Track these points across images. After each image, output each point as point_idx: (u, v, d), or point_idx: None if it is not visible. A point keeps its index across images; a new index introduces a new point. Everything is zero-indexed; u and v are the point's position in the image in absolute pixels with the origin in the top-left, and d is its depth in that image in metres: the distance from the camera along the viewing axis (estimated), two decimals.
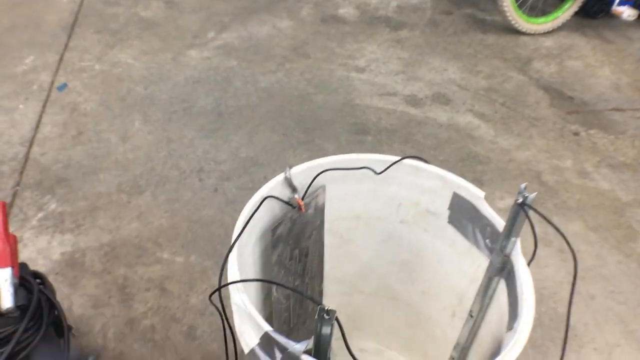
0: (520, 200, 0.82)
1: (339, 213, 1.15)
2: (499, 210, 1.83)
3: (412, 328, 1.32)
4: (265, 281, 0.79)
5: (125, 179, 1.87)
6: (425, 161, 1.09)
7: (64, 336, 1.11)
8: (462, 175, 1.96)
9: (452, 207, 1.06)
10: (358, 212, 1.16)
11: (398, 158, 1.06)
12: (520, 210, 0.83)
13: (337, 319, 0.67)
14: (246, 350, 0.81)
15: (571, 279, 1.62)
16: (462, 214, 1.05)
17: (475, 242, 1.03)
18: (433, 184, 1.07)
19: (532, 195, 0.81)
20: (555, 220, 1.80)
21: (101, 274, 1.58)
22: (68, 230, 1.69)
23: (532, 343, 1.45)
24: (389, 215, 1.16)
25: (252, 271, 1.01)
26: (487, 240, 1.00)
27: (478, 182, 1.94)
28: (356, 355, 1.39)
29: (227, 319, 0.84)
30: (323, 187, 1.06)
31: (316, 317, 0.67)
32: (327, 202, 1.10)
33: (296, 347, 0.71)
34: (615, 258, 1.69)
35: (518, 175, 1.99)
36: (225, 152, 2.00)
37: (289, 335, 1.23)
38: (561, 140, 2.17)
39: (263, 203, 0.96)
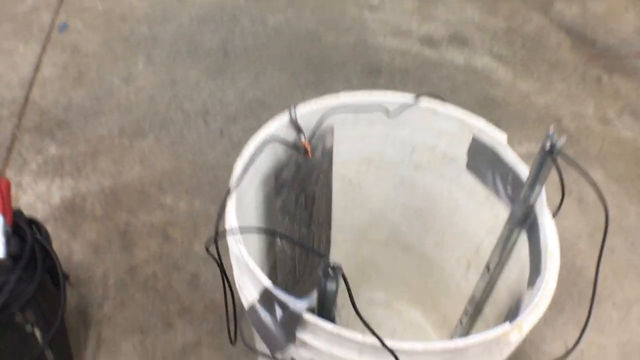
0: (548, 146, 0.74)
1: (348, 156, 1.08)
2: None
3: (424, 279, 1.26)
4: (265, 231, 0.73)
5: (128, 122, 1.80)
6: (443, 99, 1.01)
7: (60, 285, 1.07)
8: None
9: (470, 151, 0.99)
10: (369, 156, 1.09)
11: (413, 98, 0.99)
12: (547, 157, 0.76)
13: (343, 275, 0.61)
14: (246, 306, 0.75)
15: (591, 230, 1.56)
16: (481, 160, 0.97)
17: (495, 190, 0.96)
18: (450, 127, 0.99)
19: (561, 140, 0.74)
20: (574, 169, 1.72)
21: (102, 219, 1.53)
22: (68, 174, 1.63)
23: None
24: (402, 160, 1.09)
25: (254, 218, 0.95)
26: (508, 188, 0.93)
27: (495, 126, 1.85)
28: (364, 307, 1.34)
29: (224, 272, 0.78)
30: (331, 129, 0.98)
31: (320, 272, 0.61)
32: (335, 144, 1.03)
33: (298, 304, 0.65)
34: (636, 209, 1.62)
35: (537, 120, 1.90)
36: (231, 93, 1.91)
37: (294, 286, 1.18)
38: (582, 85, 2.06)
39: (266, 146, 0.89)
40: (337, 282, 0.60)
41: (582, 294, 1.40)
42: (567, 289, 1.41)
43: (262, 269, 1.07)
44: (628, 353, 1.30)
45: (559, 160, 0.75)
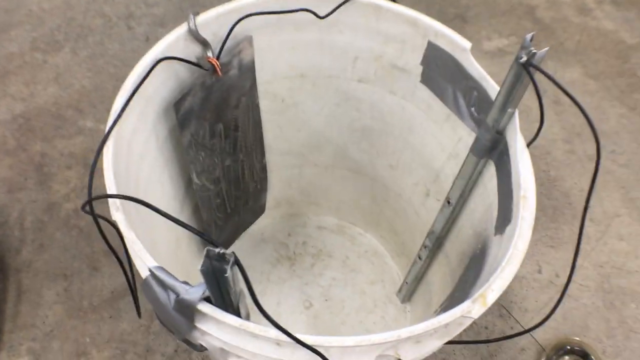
0: (524, 58, 0.57)
1: (276, 70, 0.89)
2: (484, 54, 1.56)
3: (379, 205, 1.12)
4: (135, 201, 0.55)
5: (41, 34, 1.56)
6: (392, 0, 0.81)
7: None
8: (442, 11, 1.66)
9: (426, 61, 0.80)
10: (302, 69, 0.90)
11: None
12: (522, 72, 0.58)
13: (238, 264, 0.44)
14: (143, 276, 0.59)
15: (567, 135, 1.40)
16: (439, 71, 0.79)
17: (457, 109, 0.79)
18: (400, 30, 0.80)
19: (542, 52, 0.56)
20: (550, 65, 1.54)
21: (15, 151, 1.33)
22: None
23: None
24: (343, 72, 0.90)
25: (156, 161, 0.76)
26: (473, 109, 0.76)
27: (461, 18, 1.64)
28: (314, 233, 1.20)
29: (122, 239, 0.61)
30: (249, 39, 0.78)
31: (205, 259, 0.44)
32: (258, 58, 0.83)
33: (191, 293, 0.49)
34: (617, 111, 1.46)
35: (508, 10, 1.69)
36: None
37: (227, 223, 1.02)
38: None
39: (160, 68, 0.69)
40: (230, 270, 0.44)
41: (557, 209, 1.27)
42: (540, 202, 1.27)
43: (183, 211, 0.91)
44: (606, 274, 1.18)
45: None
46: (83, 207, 0.57)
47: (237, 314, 0.51)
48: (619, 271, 1.19)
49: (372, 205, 1.14)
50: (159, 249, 0.77)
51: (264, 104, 0.92)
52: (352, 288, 1.15)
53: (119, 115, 0.61)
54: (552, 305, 1.11)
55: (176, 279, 0.50)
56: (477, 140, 0.72)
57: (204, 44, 0.72)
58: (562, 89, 0.57)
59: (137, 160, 0.69)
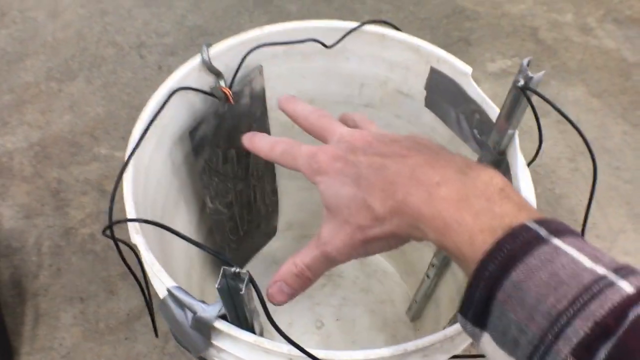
0: (522, 82, 0.59)
1: None
2: (488, 75, 1.59)
3: None
4: (154, 224, 0.58)
5: (56, 64, 1.60)
6: (394, 27, 0.83)
7: None
8: (446, 34, 1.70)
9: (429, 86, 0.82)
10: (311, 96, 0.93)
11: (354, 25, 0.81)
12: (520, 96, 0.61)
13: (252, 282, 0.47)
14: (161, 296, 0.61)
15: (572, 154, 1.42)
16: (442, 96, 0.81)
17: (460, 131, 0.81)
18: (404, 57, 0.82)
19: (538, 75, 0.58)
20: (553, 85, 1.57)
21: (32, 178, 1.37)
22: None
23: None
24: (351, 98, 0.93)
25: (172, 186, 0.80)
26: (475, 131, 0.77)
27: (465, 41, 1.68)
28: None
29: (139, 260, 0.64)
30: (259, 68, 0.81)
31: (223, 280, 0.47)
32: (268, 86, 0.86)
33: (207, 310, 0.52)
34: (620, 128, 1.48)
35: (511, 32, 1.72)
36: (169, 21, 1.70)
37: (240, 245, 1.04)
38: None
39: (176, 98, 0.73)
40: (244, 289, 0.46)
41: None
42: None
43: (198, 234, 0.94)
44: None
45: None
46: (104, 232, 0.60)
47: (252, 330, 0.54)
48: None
49: None
50: (175, 270, 0.80)
51: (275, 130, 0.94)
52: (363, 307, 1.16)
53: (138, 144, 0.65)
54: None
55: (194, 297, 0.53)
56: (479, 160, 0.74)
57: (217, 74, 0.75)
58: (559, 111, 0.60)
59: (155, 186, 0.72)
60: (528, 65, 0.59)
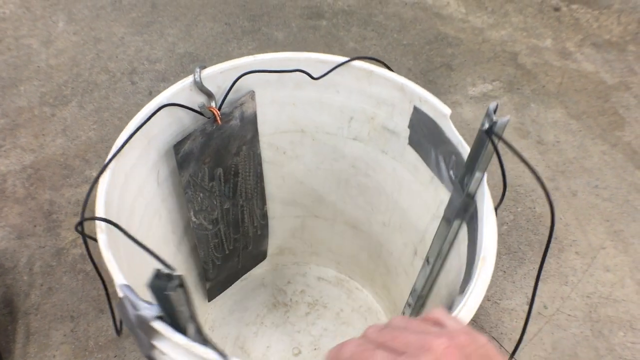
0: (487, 125, 0.60)
1: (278, 125, 0.95)
2: (469, 99, 1.65)
3: (375, 261, 1.16)
4: (113, 224, 0.61)
5: (49, 89, 1.64)
6: (384, 64, 0.86)
7: None
8: (429, 60, 1.75)
9: (412, 124, 0.84)
10: (302, 125, 0.96)
11: (342, 59, 0.84)
12: (486, 139, 0.62)
13: (183, 286, 0.49)
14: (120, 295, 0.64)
15: (551, 174, 1.46)
16: (424, 135, 0.83)
17: (438, 172, 0.83)
18: (390, 95, 0.85)
19: (503, 120, 0.59)
20: (533, 108, 1.62)
21: (25, 200, 1.39)
22: None
23: (508, 248, 1.31)
24: (340, 131, 0.96)
25: (156, 196, 0.83)
26: (451, 172, 0.78)
27: (447, 66, 1.73)
28: (314, 283, 1.24)
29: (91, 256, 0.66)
30: (251, 93, 0.85)
31: (153, 278, 0.49)
32: (260, 111, 0.90)
33: (147, 310, 0.53)
34: (599, 148, 1.53)
35: (492, 57, 1.78)
36: (160, 49, 1.75)
37: (225, 263, 1.07)
38: (540, 16, 1.94)
39: (165, 113, 0.77)
40: (181, 291, 0.49)
41: (543, 244, 1.32)
42: (527, 237, 1.33)
43: (181, 245, 0.97)
44: (594, 304, 1.23)
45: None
46: (76, 227, 0.62)
47: (186, 333, 0.54)
48: (606, 301, 1.24)
49: (368, 261, 1.18)
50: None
51: (267, 154, 0.98)
52: (342, 340, 1.15)
53: (119, 150, 0.68)
54: (541, 335, 1.16)
55: (138, 296, 0.53)
56: (450, 202, 0.75)
57: (208, 94, 0.79)
58: (520, 157, 0.57)
59: (135, 194, 0.75)
60: (495, 110, 0.60)
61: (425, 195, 0.88)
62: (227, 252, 1.05)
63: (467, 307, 0.58)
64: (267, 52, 0.85)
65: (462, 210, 0.72)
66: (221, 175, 0.90)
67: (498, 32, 1.86)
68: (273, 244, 1.20)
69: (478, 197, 0.69)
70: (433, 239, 0.81)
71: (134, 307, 0.53)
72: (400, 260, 1.05)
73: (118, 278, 0.58)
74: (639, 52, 1.83)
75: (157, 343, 0.54)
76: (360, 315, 1.21)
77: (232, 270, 1.13)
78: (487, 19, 1.91)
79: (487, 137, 0.60)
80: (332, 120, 0.94)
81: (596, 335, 1.19)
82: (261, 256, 1.19)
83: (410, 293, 0.93)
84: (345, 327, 1.19)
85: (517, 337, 1.17)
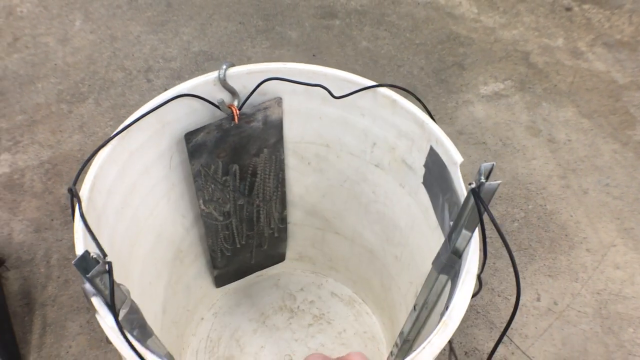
0: (474, 185, 0.57)
1: (304, 134, 0.96)
2: (481, 97, 1.66)
3: (385, 291, 1.14)
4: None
5: (66, 87, 1.67)
6: (413, 94, 0.83)
7: None
8: (441, 60, 1.76)
9: (427, 165, 0.82)
10: (327, 140, 0.96)
11: (367, 83, 0.82)
12: (472, 197, 0.59)
13: (108, 273, 0.51)
14: None
15: (562, 172, 1.47)
16: (435, 178, 0.80)
17: (442, 221, 0.79)
18: (410, 129, 0.83)
19: (492, 184, 0.56)
20: (544, 106, 1.63)
21: (42, 194, 1.42)
22: (5, 149, 1.52)
23: (519, 245, 1.32)
24: (363, 154, 0.95)
25: (167, 179, 0.86)
26: (451, 223, 0.73)
27: (459, 65, 1.74)
28: (327, 297, 1.24)
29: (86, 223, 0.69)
30: (278, 100, 0.86)
31: (79, 258, 0.51)
32: (287, 118, 0.90)
33: (87, 285, 0.55)
34: (610, 147, 1.53)
35: (504, 57, 1.79)
36: (175, 47, 1.78)
37: (234, 256, 1.08)
38: (552, 16, 1.95)
39: (185, 102, 0.79)
40: (104, 278, 0.51)
41: (554, 241, 1.33)
42: (538, 234, 1.34)
43: (192, 229, 0.99)
44: (604, 301, 1.23)
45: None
46: (69, 190, 0.63)
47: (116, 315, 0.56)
48: (616, 297, 1.24)
49: (380, 289, 1.16)
50: (157, 255, 0.87)
51: (291, 161, 0.99)
52: None
53: (124, 129, 0.71)
54: (551, 331, 1.17)
55: (89, 269, 0.53)
56: (438, 255, 0.72)
57: (232, 92, 0.81)
58: (494, 223, 0.56)
59: (140, 171, 0.79)
60: (489, 174, 0.57)
61: (432, 240, 0.85)
62: (238, 245, 1.07)
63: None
64: (281, 51, 0.86)
65: (448, 266, 0.70)
66: (237, 172, 0.92)
67: (510, 31, 1.87)
68: (293, 248, 1.21)
69: (465, 257, 0.66)
70: (422, 287, 0.80)
71: (82, 280, 0.55)
72: (405, 297, 1.03)
73: (79, 247, 0.59)
74: None
75: (97, 317, 0.56)
76: (362, 341, 1.18)
77: (243, 264, 1.15)
78: (499, 18, 1.92)
79: (473, 195, 0.58)
80: (356, 142, 0.93)
81: (606, 331, 1.19)
82: (278, 257, 1.21)
83: (399, 335, 0.91)
84: (343, 349, 1.16)
85: (527, 332, 1.19)
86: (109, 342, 0.63)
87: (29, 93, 1.66)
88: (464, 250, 0.67)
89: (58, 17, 1.89)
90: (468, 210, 0.62)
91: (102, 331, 1.19)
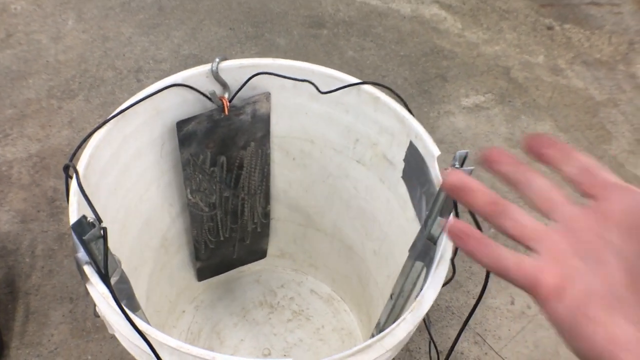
0: (449, 170, 0.58)
1: (290, 130, 0.99)
2: (462, 109, 1.71)
3: (362, 287, 1.17)
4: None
5: (57, 83, 1.70)
6: (394, 92, 0.86)
7: None
8: (424, 71, 1.82)
9: (407, 159, 0.85)
10: (312, 136, 1.00)
11: (353, 80, 0.87)
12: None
13: (103, 238, 0.54)
14: None
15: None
16: (414, 171, 0.83)
17: (419, 211, 0.82)
18: (391, 124, 0.87)
19: (465, 170, 0.59)
20: (523, 119, 1.68)
21: (29, 186, 1.44)
22: None
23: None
24: (346, 150, 0.99)
25: (157, 165, 0.89)
26: (427, 213, 0.77)
27: (442, 78, 1.79)
28: (306, 294, 1.28)
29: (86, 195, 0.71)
30: (267, 94, 0.90)
31: (77, 223, 0.54)
32: (274, 112, 0.94)
33: (82, 254, 0.58)
34: None
35: (485, 71, 1.85)
36: (166, 49, 1.81)
37: (218, 247, 1.11)
38: (533, 34, 2.02)
39: (176, 92, 0.82)
40: (98, 242, 0.54)
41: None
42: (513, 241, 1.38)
43: (178, 218, 1.02)
44: None
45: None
46: (64, 169, 0.67)
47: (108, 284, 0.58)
48: None
49: (358, 285, 1.18)
50: (152, 230, 0.91)
51: (277, 156, 1.02)
52: (314, 356, 1.16)
53: (119, 113, 0.75)
54: (524, 333, 1.21)
55: (81, 239, 0.55)
56: (414, 242, 0.76)
57: (223, 85, 0.85)
58: (473, 217, 0.58)
59: (133, 154, 0.82)
60: (464, 161, 0.59)
61: (409, 232, 0.87)
62: (222, 238, 1.10)
63: (382, 344, 0.59)
64: (269, 57, 0.89)
65: (424, 252, 0.73)
66: (224, 163, 0.95)
67: (492, 47, 1.93)
68: (275, 245, 1.23)
69: (439, 244, 0.69)
70: (398, 276, 0.82)
71: (75, 249, 0.58)
72: (382, 292, 1.05)
73: (73, 216, 0.62)
74: (629, 71, 1.90)
75: (88, 287, 0.59)
76: (339, 337, 1.20)
77: (226, 258, 1.17)
78: (482, 34, 1.98)
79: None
80: (340, 139, 0.97)
81: None
82: (260, 253, 1.24)
83: (375, 326, 0.94)
84: (320, 344, 1.19)
85: (501, 333, 1.23)
86: (96, 315, 0.66)
87: (20, 88, 1.68)
88: (438, 236, 0.70)
89: (52, 15, 1.92)
90: (442, 197, 0.66)
91: (84, 320, 1.21)
